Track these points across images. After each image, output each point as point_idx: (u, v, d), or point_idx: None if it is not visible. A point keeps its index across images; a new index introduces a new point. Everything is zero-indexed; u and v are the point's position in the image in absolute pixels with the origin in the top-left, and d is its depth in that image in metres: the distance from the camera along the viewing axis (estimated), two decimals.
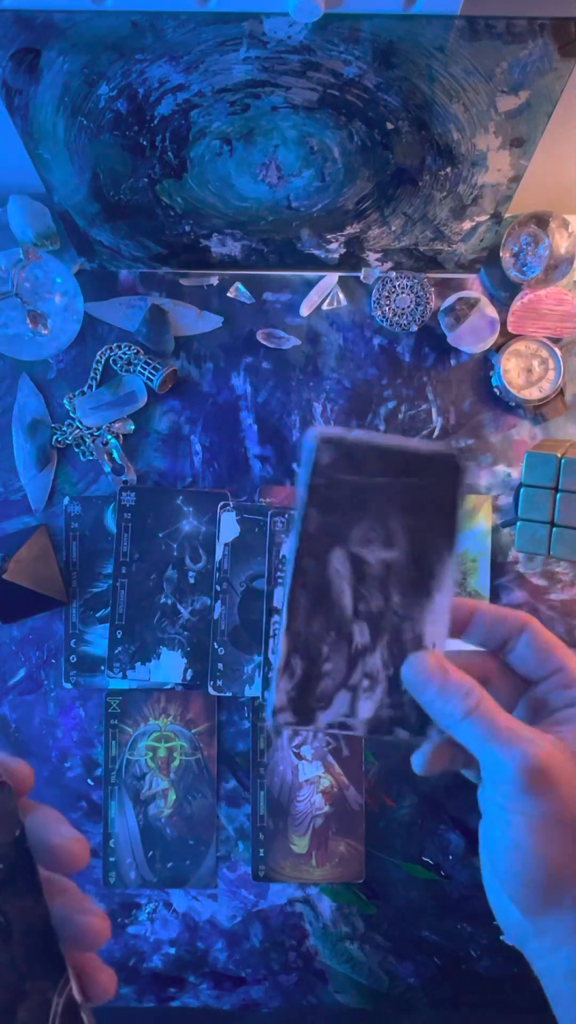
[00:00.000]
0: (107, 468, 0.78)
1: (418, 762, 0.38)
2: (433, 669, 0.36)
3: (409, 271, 0.77)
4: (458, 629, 0.39)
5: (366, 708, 0.38)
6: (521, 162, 0.64)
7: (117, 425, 0.77)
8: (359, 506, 0.38)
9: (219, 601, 0.76)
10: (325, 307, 0.78)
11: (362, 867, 0.76)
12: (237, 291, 0.78)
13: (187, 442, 0.78)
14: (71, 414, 0.78)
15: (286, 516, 0.76)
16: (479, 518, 0.77)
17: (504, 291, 0.77)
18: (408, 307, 0.77)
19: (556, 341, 0.77)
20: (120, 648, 0.76)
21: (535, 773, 0.32)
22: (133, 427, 0.78)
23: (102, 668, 0.77)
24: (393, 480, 0.38)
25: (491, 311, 0.76)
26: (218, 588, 0.76)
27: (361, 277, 0.78)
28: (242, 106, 0.58)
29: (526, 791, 0.33)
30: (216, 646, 0.76)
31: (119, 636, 0.76)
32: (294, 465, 0.78)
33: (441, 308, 0.77)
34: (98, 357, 0.78)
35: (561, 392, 0.77)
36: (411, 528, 0.38)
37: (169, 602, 0.76)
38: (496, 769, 0.33)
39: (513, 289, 0.76)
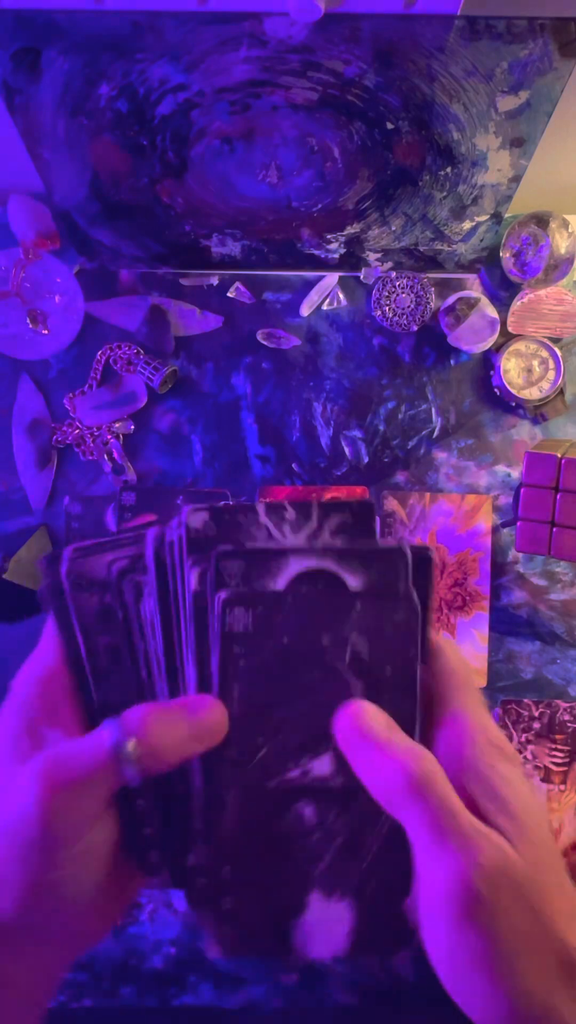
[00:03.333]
0: (107, 468, 0.78)
1: None
2: (375, 724, 0.27)
3: (409, 271, 0.77)
4: None
5: None
6: (521, 162, 0.64)
7: (117, 425, 0.77)
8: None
9: None
10: (325, 307, 0.78)
11: None
12: (237, 291, 0.78)
13: (187, 442, 0.78)
14: (71, 414, 0.78)
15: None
16: (479, 518, 0.77)
17: (504, 291, 0.77)
18: (408, 307, 0.77)
19: (556, 341, 0.77)
20: None
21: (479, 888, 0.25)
22: (133, 427, 0.78)
23: None
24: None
25: (491, 311, 0.76)
26: None
27: (361, 277, 0.78)
28: (242, 106, 0.58)
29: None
30: None
31: None
32: (294, 465, 0.78)
33: (441, 308, 0.77)
34: (98, 357, 0.78)
35: (561, 392, 0.77)
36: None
37: None
38: (436, 872, 0.25)
39: (513, 289, 0.76)
